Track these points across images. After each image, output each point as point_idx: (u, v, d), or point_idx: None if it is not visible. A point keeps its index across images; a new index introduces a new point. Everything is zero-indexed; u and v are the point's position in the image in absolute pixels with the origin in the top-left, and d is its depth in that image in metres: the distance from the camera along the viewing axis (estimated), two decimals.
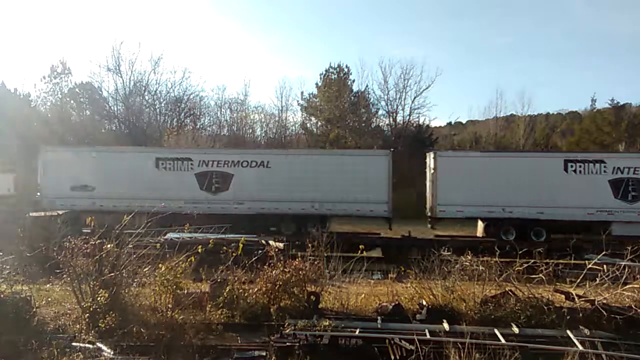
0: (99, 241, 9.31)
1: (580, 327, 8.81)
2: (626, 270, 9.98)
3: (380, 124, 47.16)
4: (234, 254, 10.43)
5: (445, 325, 8.78)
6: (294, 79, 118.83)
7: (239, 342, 8.53)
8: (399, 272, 12.90)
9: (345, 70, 47.14)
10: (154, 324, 8.69)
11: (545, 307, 9.30)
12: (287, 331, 8.44)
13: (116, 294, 8.93)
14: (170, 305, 8.82)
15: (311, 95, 48.49)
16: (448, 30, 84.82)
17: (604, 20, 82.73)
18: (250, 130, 49.71)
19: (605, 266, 10.22)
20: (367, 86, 47.66)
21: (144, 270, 9.59)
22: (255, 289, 10.12)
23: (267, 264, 10.39)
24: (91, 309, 8.71)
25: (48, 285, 11.54)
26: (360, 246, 12.18)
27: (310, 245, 11.13)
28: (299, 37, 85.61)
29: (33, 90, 49.60)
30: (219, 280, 10.22)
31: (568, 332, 8.54)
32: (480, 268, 10.25)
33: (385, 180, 20.96)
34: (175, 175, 21.55)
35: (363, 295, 10.90)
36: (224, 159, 21.83)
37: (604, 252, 11.92)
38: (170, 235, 15.58)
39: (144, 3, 77.82)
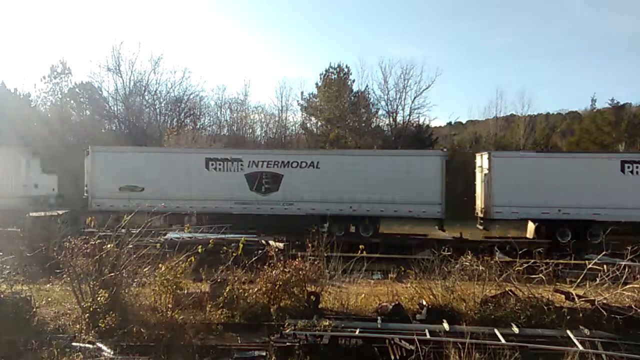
0: (98, 241, 9.33)
1: (580, 327, 8.80)
2: (626, 270, 9.98)
3: (380, 124, 47.19)
4: (234, 254, 10.44)
5: (445, 325, 8.77)
6: (294, 79, 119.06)
7: (239, 342, 8.51)
8: (399, 272, 12.90)
9: (345, 70, 47.11)
10: (154, 324, 8.68)
11: (545, 307, 9.28)
12: (287, 331, 8.43)
13: (116, 294, 8.93)
14: (170, 305, 8.81)
15: (311, 95, 48.48)
16: (448, 30, 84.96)
17: (604, 20, 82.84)
18: (250, 130, 49.74)
19: (605, 266, 10.22)
20: (367, 86, 47.67)
21: (144, 270, 9.58)
22: (255, 289, 10.11)
23: (267, 264, 10.38)
24: (91, 309, 8.71)
25: (48, 285, 11.52)
26: (360, 246, 12.18)
27: (310, 245, 11.13)
28: (299, 37, 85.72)
29: (33, 90, 49.58)
30: (219, 280, 10.20)
31: (568, 332, 8.53)
32: (480, 268, 10.26)
33: (439, 180, 20.67)
34: (225, 176, 21.37)
35: (363, 295, 10.88)
36: (274, 159, 21.72)
37: (604, 252, 11.92)
38: (170, 235, 15.59)
39: (144, 3, 77.95)
